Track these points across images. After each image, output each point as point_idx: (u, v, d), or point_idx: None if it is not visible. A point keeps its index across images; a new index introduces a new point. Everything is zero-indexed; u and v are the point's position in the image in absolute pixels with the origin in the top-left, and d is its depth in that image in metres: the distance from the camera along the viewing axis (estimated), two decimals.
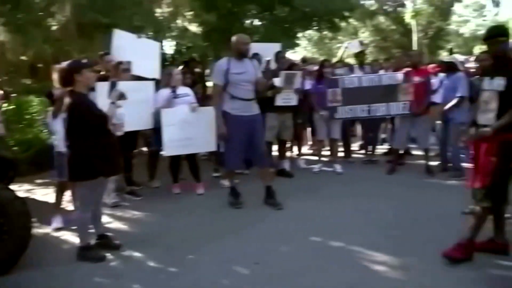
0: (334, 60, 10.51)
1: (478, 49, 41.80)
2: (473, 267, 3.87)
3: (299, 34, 16.92)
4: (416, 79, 7.11)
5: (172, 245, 4.55)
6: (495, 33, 3.98)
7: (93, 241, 4.42)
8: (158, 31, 10.13)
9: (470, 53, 43.55)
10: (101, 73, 5.99)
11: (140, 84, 6.07)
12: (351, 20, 19.88)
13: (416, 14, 29.82)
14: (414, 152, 8.37)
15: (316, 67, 8.20)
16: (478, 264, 3.91)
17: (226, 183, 6.31)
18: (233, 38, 5.59)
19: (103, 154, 4.13)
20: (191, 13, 11.49)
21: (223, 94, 5.53)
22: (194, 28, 12.03)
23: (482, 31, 47.24)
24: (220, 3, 13.00)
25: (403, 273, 3.84)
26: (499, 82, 3.82)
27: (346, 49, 10.72)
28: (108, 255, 4.29)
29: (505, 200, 3.96)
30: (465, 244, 3.96)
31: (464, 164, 6.43)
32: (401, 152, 7.83)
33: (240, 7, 13.89)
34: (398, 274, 3.84)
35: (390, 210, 5.39)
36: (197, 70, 8.88)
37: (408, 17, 30.62)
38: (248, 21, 15.46)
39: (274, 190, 5.76)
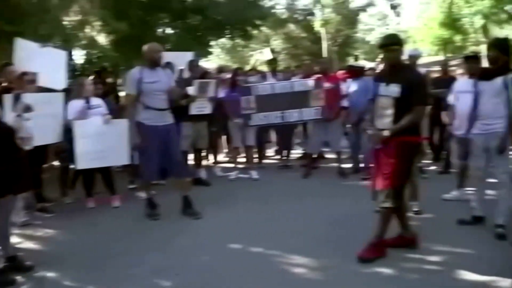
0: (247, 68, 10.66)
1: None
2: (387, 263, 4.09)
3: (212, 43, 16.95)
4: (327, 85, 7.37)
5: (89, 263, 4.40)
6: (390, 42, 4.22)
7: (1, 264, 4.13)
8: (67, 40, 9.77)
9: (375, 59, 45.72)
10: (3, 84, 5.67)
11: (48, 96, 5.83)
12: (263, 28, 20.19)
13: (325, 22, 30.94)
14: (327, 156, 8.68)
15: (229, 75, 8.29)
16: (391, 260, 4.14)
17: (142, 194, 6.21)
18: (145, 47, 5.52)
19: (11, 170, 3.91)
20: (100, 22, 11.19)
21: (137, 104, 5.46)
22: (103, 37, 11.73)
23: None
24: (131, 12, 12.76)
25: (322, 274, 3.99)
26: (394, 89, 4.04)
27: (258, 58, 10.95)
28: (19, 278, 4.05)
29: (401, 198, 4.21)
30: (375, 243, 4.18)
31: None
32: (315, 156, 8.09)
33: (152, 16, 13.70)
34: (316, 275, 3.98)
35: (307, 213, 5.57)
36: (109, 80, 8.68)
37: (317, 25, 31.69)
38: (160, 30, 15.28)
39: (191, 200, 5.73)
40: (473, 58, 5.61)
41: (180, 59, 7.66)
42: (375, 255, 4.15)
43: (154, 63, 5.44)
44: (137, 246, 4.74)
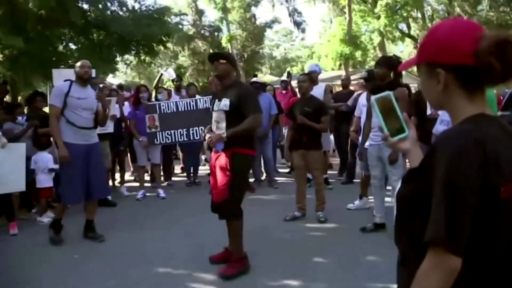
0: (154, 84, 10.55)
1: (289, 70, 45.17)
2: (293, 274, 4.17)
3: (118, 59, 16.58)
4: None
5: None
6: (217, 56, 4.38)
7: None
8: None
9: (282, 74, 47.02)
10: None
11: None
12: (169, 45, 20.09)
13: (231, 38, 31.38)
14: None
15: (131, 93, 8.16)
16: (292, 269, 4.23)
17: (43, 219, 5.92)
18: (76, 64, 5.36)
19: None
20: None
21: (60, 117, 5.11)
22: None
23: (291, 54, 51.40)
24: (29, 26, 12.20)
25: None
26: (225, 103, 4.16)
27: (162, 76, 10.85)
28: None
29: (240, 213, 4.30)
30: (235, 258, 4.26)
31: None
32: None
33: (51, 30, 13.18)
34: None
35: (215, 229, 5.52)
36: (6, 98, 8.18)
37: (224, 41, 32.08)
38: (61, 46, 14.73)
39: (94, 223, 5.49)
40: (371, 77, 6.37)
41: None
42: (237, 269, 4.20)
43: (82, 79, 5.20)
44: (37, 276, 4.46)
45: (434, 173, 1.25)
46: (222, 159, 4.15)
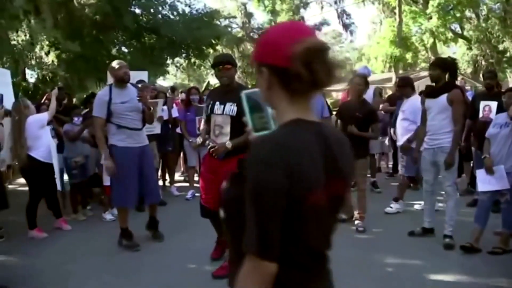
0: (203, 87, 10.69)
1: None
2: None
3: (168, 61, 16.94)
4: None
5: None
6: (222, 61, 4.27)
7: None
8: (15, 60, 9.60)
9: None
10: None
11: None
12: (218, 47, 20.34)
13: None
14: None
15: (183, 95, 8.30)
16: None
17: (107, 216, 6.34)
18: (110, 65, 5.24)
19: None
20: (51, 41, 11.05)
21: (108, 126, 5.06)
22: (53, 57, 11.58)
23: (340, 56, 50.92)
24: (85, 31, 12.67)
25: None
26: (232, 108, 4.08)
27: (211, 80, 10.95)
28: None
29: None
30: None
31: None
32: None
33: (105, 35, 13.64)
34: None
35: None
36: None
37: None
38: (115, 49, 15.19)
39: (157, 221, 5.56)
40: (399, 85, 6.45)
41: (135, 78, 7.61)
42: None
43: (121, 80, 5.02)
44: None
45: (247, 179, 1.25)
46: (230, 167, 4.03)
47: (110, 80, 6.45)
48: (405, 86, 6.33)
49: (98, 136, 5.11)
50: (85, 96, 8.03)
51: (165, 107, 7.44)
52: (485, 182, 4.67)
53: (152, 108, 5.50)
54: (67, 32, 12.01)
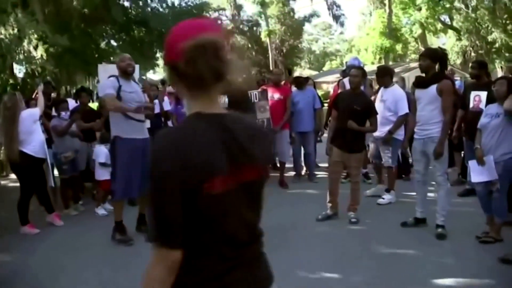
0: None
1: (329, 64, 45.05)
2: (334, 267, 4.17)
3: (158, 55, 16.86)
4: (276, 96, 7.37)
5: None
6: None
7: None
8: (3, 55, 9.50)
9: (321, 68, 46.83)
10: None
11: None
12: None
13: (270, 32, 31.35)
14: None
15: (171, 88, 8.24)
16: (340, 263, 4.22)
17: (99, 211, 6.30)
18: (117, 59, 5.32)
19: None
20: (39, 35, 10.94)
21: (113, 115, 5.05)
22: (41, 51, 11.47)
23: (330, 48, 51.04)
24: (73, 24, 12.55)
25: None
26: (223, 100, 4.14)
27: None
28: None
29: None
30: None
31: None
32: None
33: (94, 28, 13.53)
34: None
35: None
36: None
37: (263, 36, 32.10)
38: (103, 42, 15.08)
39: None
40: (377, 74, 6.50)
41: None
42: None
43: (125, 72, 5.07)
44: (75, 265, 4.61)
45: None
46: None
47: (101, 75, 6.37)
48: (383, 76, 6.38)
49: (117, 106, 4.96)
50: (75, 90, 7.95)
51: (156, 101, 7.39)
52: (477, 173, 4.70)
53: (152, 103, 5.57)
54: (55, 26, 11.89)
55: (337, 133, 5.56)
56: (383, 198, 6.30)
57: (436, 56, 4.87)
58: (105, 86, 5.12)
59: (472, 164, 4.79)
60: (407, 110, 6.10)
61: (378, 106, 6.18)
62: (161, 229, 1.31)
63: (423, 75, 4.97)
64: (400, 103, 6.21)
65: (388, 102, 6.18)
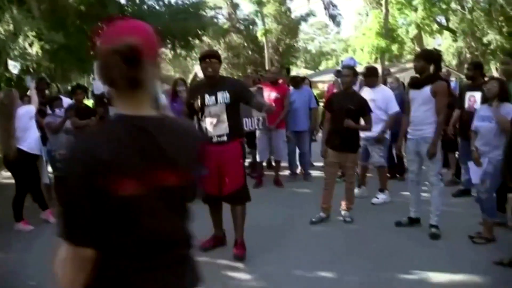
0: (189, 79, 10.58)
1: (325, 64, 45.07)
2: (330, 267, 4.20)
3: None
4: (273, 95, 7.32)
5: None
6: (209, 54, 4.47)
7: None
8: None
9: (317, 67, 46.88)
10: None
11: None
12: (204, 38, 20.23)
13: (266, 31, 31.33)
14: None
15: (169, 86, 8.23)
16: (332, 263, 4.25)
17: None
18: None
19: None
20: (35, 32, 10.89)
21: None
22: (37, 48, 11.40)
23: (326, 48, 51.09)
24: (68, 21, 12.50)
25: (258, 278, 4.04)
26: (224, 95, 4.32)
27: (197, 71, 10.83)
28: None
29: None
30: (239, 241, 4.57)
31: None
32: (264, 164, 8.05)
33: (89, 25, 13.47)
34: (253, 280, 4.03)
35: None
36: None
37: (259, 35, 32.07)
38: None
39: None
40: (366, 74, 6.57)
41: None
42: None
43: None
44: None
45: None
46: (234, 150, 4.40)
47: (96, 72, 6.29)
48: (371, 76, 6.46)
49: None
50: (70, 87, 7.92)
51: None
52: (477, 174, 4.72)
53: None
54: (50, 23, 11.83)
55: (332, 134, 5.54)
56: (377, 198, 6.32)
57: (431, 57, 4.90)
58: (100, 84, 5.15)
59: (471, 165, 4.81)
60: (398, 108, 6.25)
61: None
62: (68, 227, 1.32)
63: (418, 75, 4.99)
64: (390, 102, 6.31)
65: (378, 101, 6.21)
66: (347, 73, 5.63)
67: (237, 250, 4.48)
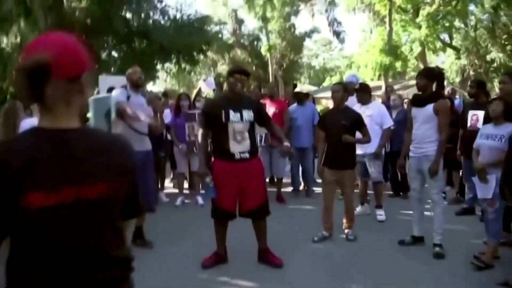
0: (193, 94, 10.58)
1: (329, 80, 45.20)
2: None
3: (158, 67, 16.90)
4: (272, 110, 7.26)
5: None
6: (242, 70, 4.54)
7: None
8: (4, 63, 9.53)
9: (321, 83, 47.03)
10: None
11: None
12: (209, 53, 20.35)
13: (270, 47, 31.51)
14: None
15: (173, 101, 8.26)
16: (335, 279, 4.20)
17: None
18: (128, 70, 5.33)
19: None
20: None
21: (117, 124, 5.08)
22: None
23: (330, 64, 51.24)
24: (74, 35, 12.59)
25: None
26: (249, 114, 4.38)
27: (202, 86, 10.82)
28: None
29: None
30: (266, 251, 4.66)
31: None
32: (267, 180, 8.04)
33: (95, 39, 13.58)
34: None
35: (248, 237, 5.52)
36: None
37: (263, 51, 32.25)
38: (104, 53, 15.13)
39: (144, 230, 5.43)
40: (361, 90, 6.58)
41: (124, 83, 7.55)
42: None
43: (136, 85, 5.18)
44: None
45: None
46: (256, 166, 4.48)
47: (101, 85, 6.33)
48: (365, 92, 6.53)
49: (133, 111, 4.96)
50: None
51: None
52: (482, 190, 4.65)
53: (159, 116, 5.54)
54: None
55: (328, 153, 5.48)
56: (381, 215, 6.30)
57: (433, 75, 4.91)
58: (118, 95, 5.13)
59: (476, 181, 4.75)
60: (392, 123, 6.42)
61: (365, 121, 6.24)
62: None
63: (420, 93, 4.99)
64: (385, 117, 6.40)
65: (374, 116, 6.26)
66: (337, 88, 5.55)
67: (274, 259, 4.59)
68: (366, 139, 5.58)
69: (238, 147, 4.33)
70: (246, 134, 4.35)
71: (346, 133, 5.30)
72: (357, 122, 5.44)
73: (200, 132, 4.60)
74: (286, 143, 4.48)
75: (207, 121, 4.46)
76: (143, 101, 5.25)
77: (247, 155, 4.35)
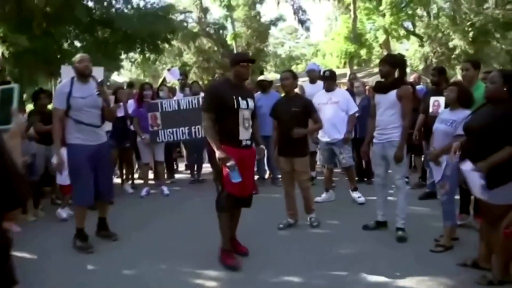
0: (158, 83, 10.44)
1: (295, 68, 45.28)
2: (296, 271, 4.19)
3: (122, 56, 16.60)
4: None
5: None
6: (252, 59, 4.60)
7: None
8: None
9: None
10: None
11: None
12: (174, 42, 20.10)
13: (236, 36, 31.35)
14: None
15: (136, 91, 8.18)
16: (300, 269, 4.24)
17: (62, 214, 6.16)
18: (73, 59, 5.10)
19: None
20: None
21: (65, 119, 4.88)
22: (0, 50, 11.16)
23: (296, 52, 51.30)
24: (34, 23, 12.25)
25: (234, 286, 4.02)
26: (251, 103, 4.44)
27: (166, 75, 10.69)
28: None
29: None
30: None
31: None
32: None
33: (56, 28, 13.22)
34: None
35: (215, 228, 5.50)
36: None
37: (229, 39, 32.07)
38: (66, 43, 14.76)
39: (108, 222, 5.39)
40: (330, 77, 6.67)
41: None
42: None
43: (83, 75, 4.88)
44: (46, 269, 4.49)
45: None
46: (254, 153, 4.57)
47: (64, 75, 6.18)
48: (332, 79, 6.66)
49: (55, 128, 4.91)
50: (34, 91, 7.71)
51: (120, 103, 7.28)
52: (438, 173, 4.74)
53: (111, 104, 5.43)
54: (15, 25, 11.59)
55: (280, 141, 5.50)
56: (360, 197, 6.52)
57: (396, 62, 4.98)
58: (56, 96, 5.06)
59: (432, 165, 4.84)
60: (356, 108, 6.67)
61: (330, 108, 6.41)
62: None
63: (383, 80, 5.04)
64: (350, 103, 6.60)
65: (341, 103, 6.43)
66: (286, 76, 5.54)
67: (240, 247, 4.67)
68: (318, 126, 5.63)
69: (245, 134, 4.35)
70: (250, 122, 4.43)
71: (298, 120, 5.31)
72: (308, 109, 5.43)
73: (205, 116, 4.31)
74: (262, 146, 4.73)
75: (215, 105, 4.29)
76: (92, 91, 4.93)
77: (249, 142, 4.42)
